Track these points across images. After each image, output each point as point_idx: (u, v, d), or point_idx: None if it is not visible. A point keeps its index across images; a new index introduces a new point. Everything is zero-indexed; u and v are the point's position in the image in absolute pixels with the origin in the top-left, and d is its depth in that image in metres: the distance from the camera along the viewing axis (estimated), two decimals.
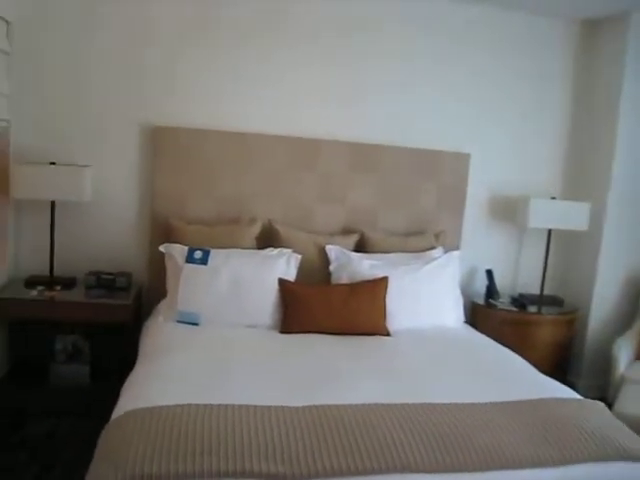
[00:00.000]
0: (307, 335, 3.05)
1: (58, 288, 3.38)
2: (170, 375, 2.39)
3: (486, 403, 2.33)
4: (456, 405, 2.26)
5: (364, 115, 3.81)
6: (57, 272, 3.48)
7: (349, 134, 3.76)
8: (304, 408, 2.11)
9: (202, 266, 3.15)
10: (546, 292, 4.08)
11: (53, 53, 3.48)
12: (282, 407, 2.10)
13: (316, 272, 3.48)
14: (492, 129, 4.04)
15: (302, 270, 3.38)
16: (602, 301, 4.06)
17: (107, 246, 3.64)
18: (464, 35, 3.90)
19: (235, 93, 3.65)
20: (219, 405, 2.07)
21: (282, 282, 3.21)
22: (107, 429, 2.03)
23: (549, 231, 3.97)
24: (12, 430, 3.09)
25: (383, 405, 2.20)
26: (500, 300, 3.94)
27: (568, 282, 4.25)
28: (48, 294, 3.29)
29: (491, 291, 3.96)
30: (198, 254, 3.19)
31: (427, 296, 3.41)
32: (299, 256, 3.37)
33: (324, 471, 1.80)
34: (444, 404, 2.26)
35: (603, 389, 3.86)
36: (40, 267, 3.53)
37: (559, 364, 3.88)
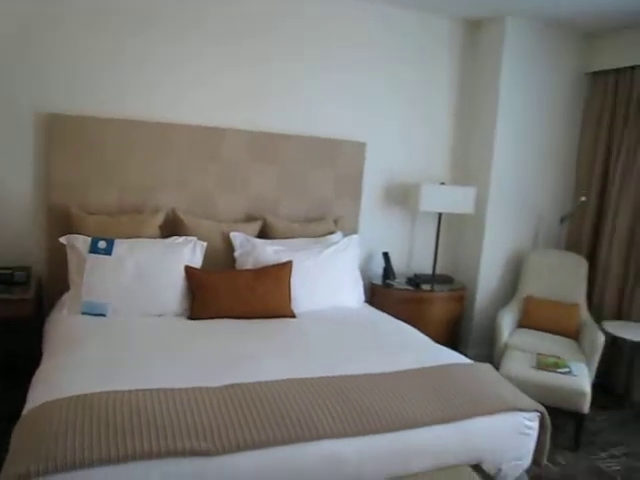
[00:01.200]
0: (216, 320, 3.12)
1: None
2: (82, 365, 2.37)
3: (390, 372, 2.53)
4: (363, 375, 2.44)
5: (265, 107, 3.90)
6: None
7: (251, 125, 3.84)
8: (221, 388, 2.19)
9: (106, 256, 3.12)
10: (438, 271, 4.39)
11: None
12: (200, 388, 2.17)
13: (221, 259, 3.54)
14: (386, 120, 4.26)
15: (207, 257, 3.43)
16: (487, 277, 4.43)
17: (2, 240, 3.48)
18: (358, 31, 4.08)
19: (138, 81, 3.61)
20: (138, 390, 2.10)
21: (188, 269, 3.24)
22: (22, 423, 1.99)
23: (439, 215, 4.26)
24: None
25: (296, 380, 2.33)
26: (396, 280, 4.20)
27: (457, 261, 4.59)
28: None
29: (388, 272, 4.20)
30: (102, 244, 3.15)
31: (328, 278, 3.57)
32: (204, 243, 3.41)
33: (245, 444, 1.90)
34: (352, 375, 2.43)
35: (490, 357, 4.23)
36: None
37: (451, 336, 4.20)
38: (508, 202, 4.39)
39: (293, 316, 3.29)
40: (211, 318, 3.13)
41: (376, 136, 4.21)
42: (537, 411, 2.49)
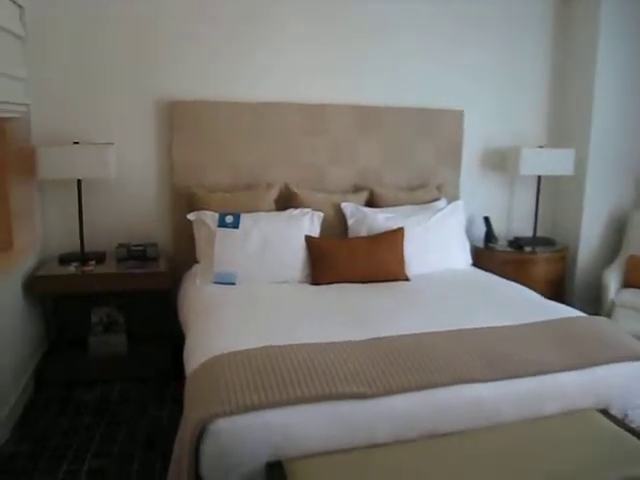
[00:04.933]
0: (336, 285, 3.33)
1: (92, 263, 3.56)
2: (231, 327, 2.61)
3: (513, 325, 2.67)
4: (492, 328, 2.60)
5: (367, 82, 4.07)
6: (87, 248, 3.66)
7: (354, 99, 4.02)
8: (366, 341, 2.41)
9: (234, 230, 3.38)
10: (538, 234, 4.45)
11: (66, 34, 3.59)
12: (347, 342, 2.39)
13: (335, 228, 3.76)
14: (482, 86, 4.33)
15: (322, 227, 3.64)
16: (589, 238, 4.45)
17: (132, 219, 3.84)
18: (451, 4, 4.15)
19: (246, 65, 3.85)
20: (292, 345, 2.33)
21: (308, 239, 3.47)
22: (194, 376, 2.24)
23: (538, 177, 4.30)
24: (64, 400, 3.30)
25: (430, 333, 2.51)
26: (499, 243, 4.30)
27: (558, 223, 4.63)
28: (86, 269, 3.47)
29: (489, 236, 4.30)
30: (229, 218, 3.41)
31: (438, 243, 3.72)
32: (321, 214, 3.63)
33: (397, 387, 2.11)
34: (481, 327, 2.60)
35: (595, 314, 4.27)
36: (70, 245, 3.72)
37: (554, 297, 4.24)
38: (608, 162, 4.38)
39: (407, 279, 3.47)
40: (331, 283, 3.35)
41: (473, 105, 4.29)
42: None
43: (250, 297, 3.09)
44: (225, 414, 1.93)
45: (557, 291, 4.31)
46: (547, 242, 4.42)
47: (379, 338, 2.43)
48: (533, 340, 2.51)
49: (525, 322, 2.72)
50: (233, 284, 3.31)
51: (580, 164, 4.30)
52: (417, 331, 2.54)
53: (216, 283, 3.32)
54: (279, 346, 2.32)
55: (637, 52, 4.30)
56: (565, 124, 4.52)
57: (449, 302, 3.04)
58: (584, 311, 4.04)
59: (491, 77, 4.35)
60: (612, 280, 4.09)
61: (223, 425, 1.92)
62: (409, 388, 2.12)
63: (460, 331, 2.54)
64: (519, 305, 3.04)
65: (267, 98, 3.86)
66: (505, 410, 2.23)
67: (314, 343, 2.36)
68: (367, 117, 4.03)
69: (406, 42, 4.11)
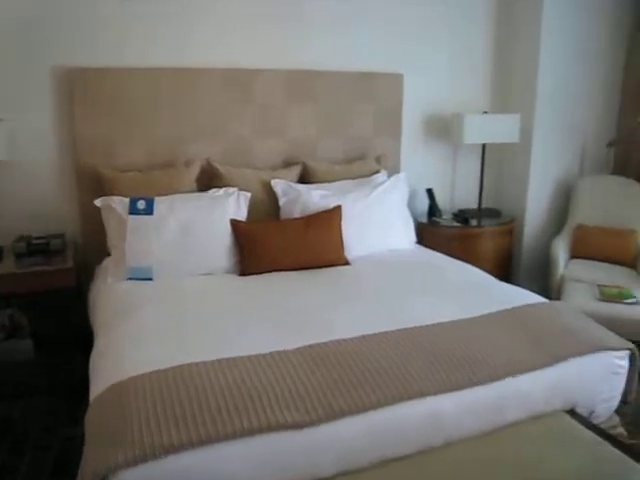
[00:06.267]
0: (269, 275, 2.96)
1: None
2: (144, 337, 2.21)
3: (470, 318, 2.37)
4: (446, 324, 2.29)
5: (298, 44, 3.61)
6: None
7: (284, 63, 3.57)
8: (303, 349, 2.05)
9: (148, 216, 2.93)
10: (484, 205, 4.19)
11: None
12: (281, 352, 2.02)
13: (264, 209, 3.35)
14: (422, 49, 3.97)
15: (250, 209, 3.23)
16: (535, 208, 4.23)
17: (31, 207, 3.28)
18: None
19: (162, 27, 3.32)
20: (218, 361, 1.95)
21: (234, 223, 3.06)
22: (95, 408, 1.84)
23: (483, 146, 4.03)
24: None
25: (377, 334, 2.17)
26: (443, 217, 4.01)
27: (503, 193, 4.38)
28: None
29: (433, 209, 4.01)
30: (142, 204, 2.95)
31: (379, 221, 3.38)
32: (248, 194, 3.22)
33: (341, 411, 1.77)
34: (433, 324, 2.28)
35: (544, 290, 4.10)
36: None
37: (502, 271, 4.04)
38: (554, 129, 4.14)
39: (347, 263, 3.13)
40: (262, 273, 2.97)
41: (413, 68, 3.92)
42: (627, 349, 2.35)
43: (169, 295, 2.67)
44: (130, 462, 1.53)
45: (505, 266, 4.09)
46: (493, 214, 4.18)
47: (317, 345, 2.07)
48: (494, 337, 2.22)
49: (482, 313, 2.43)
50: (150, 279, 2.88)
51: (526, 131, 4.04)
52: (360, 333, 2.19)
53: (130, 279, 2.87)
54: (198, 363, 1.93)
55: (583, 17, 4.04)
56: (510, 90, 4.24)
57: (395, 292, 2.70)
58: (531, 287, 3.89)
59: (433, 39, 3.99)
60: (560, 251, 3.88)
61: (128, 478, 1.53)
62: (354, 410, 1.78)
63: (410, 330, 2.21)
64: (473, 291, 2.74)
65: (186, 64, 3.35)
66: (466, 423, 1.94)
67: (243, 357, 1.99)
68: (299, 83, 3.60)
69: (342, 3, 3.68)
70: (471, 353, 2.06)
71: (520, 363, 2.05)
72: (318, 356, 2.00)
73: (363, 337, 2.16)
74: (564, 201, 4.28)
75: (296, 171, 3.55)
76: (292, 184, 3.39)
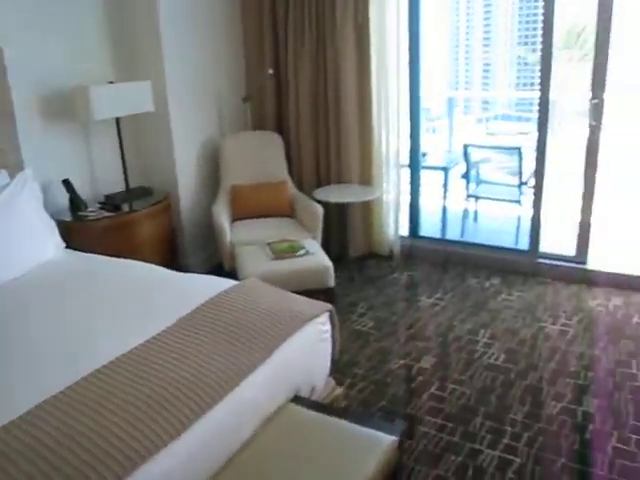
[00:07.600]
0: None
1: None
2: None
3: (160, 333, 1.99)
4: (128, 355, 1.84)
5: None
6: None
7: None
8: None
9: None
10: (132, 185, 3.74)
11: None
12: None
13: None
14: (24, 19, 3.20)
15: None
16: (187, 177, 3.98)
17: None
18: None
19: None
20: None
21: None
22: None
23: (117, 120, 3.54)
24: None
25: (57, 396, 1.64)
26: (89, 210, 3.43)
27: (151, 169, 3.98)
28: None
29: (76, 202, 3.40)
30: None
31: (12, 234, 2.66)
32: None
33: None
34: (127, 353, 1.85)
35: (213, 258, 3.97)
36: None
37: (169, 254, 3.72)
38: (188, 92, 3.90)
39: None
40: None
41: (17, 40, 3.13)
42: (327, 311, 2.29)
43: None
44: None
45: (171, 248, 3.79)
46: (144, 192, 3.75)
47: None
48: (192, 349, 1.88)
49: (174, 320, 2.07)
50: None
51: (160, 98, 3.70)
52: (36, 401, 1.63)
53: None
54: None
55: None
56: (135, 57, 3.77)
57: (63, 328, 2.12)
58: (200, 260, 3.72)
59: (34, 7, 3.24)
60: (222, 217, 3.69)
61: None
62: None
63: (99, 374, 1.73)
64: (153, 296, 2.36)
65: None
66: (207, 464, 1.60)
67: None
68: None
69: None
70: (186, 375, 1.70)
71: (232, 378, 1.76)
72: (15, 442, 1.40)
73: (45, 404, 1.60)
74: (214, 165, 4.12)
75: None
76: None
